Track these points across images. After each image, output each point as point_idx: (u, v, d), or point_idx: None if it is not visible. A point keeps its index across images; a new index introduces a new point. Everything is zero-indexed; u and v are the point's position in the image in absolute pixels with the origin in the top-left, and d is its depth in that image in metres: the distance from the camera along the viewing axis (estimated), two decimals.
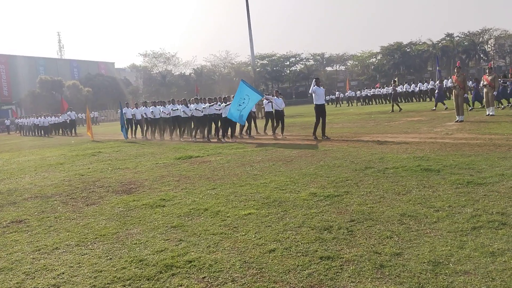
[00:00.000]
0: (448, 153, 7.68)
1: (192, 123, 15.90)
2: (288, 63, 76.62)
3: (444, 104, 20.43)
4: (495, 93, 15.66)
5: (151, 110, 17.54)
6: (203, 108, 14.74)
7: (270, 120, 15.17)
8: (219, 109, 14.38)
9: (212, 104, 14.66)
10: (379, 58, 72.76)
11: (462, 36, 66.72)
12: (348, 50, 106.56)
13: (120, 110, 21.18)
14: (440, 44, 67.34)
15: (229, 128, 14.35)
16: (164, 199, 5.92)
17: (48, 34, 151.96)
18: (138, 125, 19.11)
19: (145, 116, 18.02)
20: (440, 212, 4.32)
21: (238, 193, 5.95)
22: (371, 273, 3.08)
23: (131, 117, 19.14)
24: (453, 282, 2.85)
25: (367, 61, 74.54)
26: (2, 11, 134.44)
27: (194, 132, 15.84)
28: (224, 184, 6.67)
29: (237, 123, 14.13)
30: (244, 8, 55.62)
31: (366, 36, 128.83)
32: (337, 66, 77.90)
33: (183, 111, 15.76)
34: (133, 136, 19.14)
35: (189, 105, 15.81)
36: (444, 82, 25.96)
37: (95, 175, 8.71)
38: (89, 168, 9.84)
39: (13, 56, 67.12)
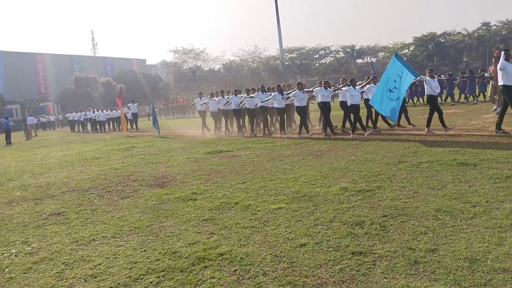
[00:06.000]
0: (485, 147, 7.42)
1: (297, 113, 12.67)
2: (317, 56, 75.71)
3: None
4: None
5: (228, 101, 14.79)
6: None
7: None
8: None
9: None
10: (412, 49, 70.79)
11: (500, 24, 63.87)
12: (379, 42, 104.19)
13: (152, 106, 21.61)
14: (476, 33, 64.79)
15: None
16: (196, 193, 6.01)
17: (82, 32, 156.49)
18: (214, 118, 16.02)
19: (221, 108, 15.34)
20: (477, 207, 4.19)
21: (268, 187, 5.97)
22: (405, 269, 3.03)
23: (203, 109, 16.63)
24: (491, 280, 2.77)
25: (400, 53, 72.64)
26: (39, 12, 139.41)
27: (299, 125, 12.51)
28: (254, 178, 6.70)
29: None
30: (272, 1, 55.28)
31: (398, 27, 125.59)
32: (368, 58, 76.31)
33: (276, 100, 12.78)
34: (216, 130, 15.95)
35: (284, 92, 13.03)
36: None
37: (129, 169, 8.94)
38: (123, 163, 10.10)
39: (49, 54, 69.43)
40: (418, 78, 10.02)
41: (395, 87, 9.41)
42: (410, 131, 10.91)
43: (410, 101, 21.04)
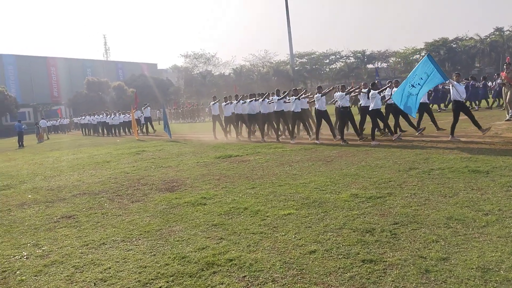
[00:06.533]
0: (498, 154, 7.32)
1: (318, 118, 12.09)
2: (327, 61, 75.54)
3: None
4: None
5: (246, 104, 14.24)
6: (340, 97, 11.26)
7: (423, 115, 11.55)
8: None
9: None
10: (423, 54, 70.27)
11: None
12: (390, 47, 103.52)
13: (163, 110, 21.78)
14: (488, 39, 64.16)
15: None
16: (205, 198, 6.03)
17: (95, 37, 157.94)
18: (232, 124, 15.54)
19: (237, 112, 14.83)
20: (490, 215, 4.13)
21: (277, 192, 5.95)
22: (416, 278, 2.99)
23: (217, 113, 16.34)
24: None
25: (411, 58, 72.24)
26: (53, 16, 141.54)
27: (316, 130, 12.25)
28: (263, 183, 6.69)
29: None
30: (283, 6, 55.50)
31: (409, 32, 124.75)
32: (379, 63, 75.93)
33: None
34: (226, 134, 15.58)
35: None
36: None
37: (139, 173, 8.99)
38: (133, 166, 10.17)
39: (62, 58, 70.41)
40: (447, 81, 9.84)
41: (419, 83, 9.15)
42: (421, 138, 10.81)
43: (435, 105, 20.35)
